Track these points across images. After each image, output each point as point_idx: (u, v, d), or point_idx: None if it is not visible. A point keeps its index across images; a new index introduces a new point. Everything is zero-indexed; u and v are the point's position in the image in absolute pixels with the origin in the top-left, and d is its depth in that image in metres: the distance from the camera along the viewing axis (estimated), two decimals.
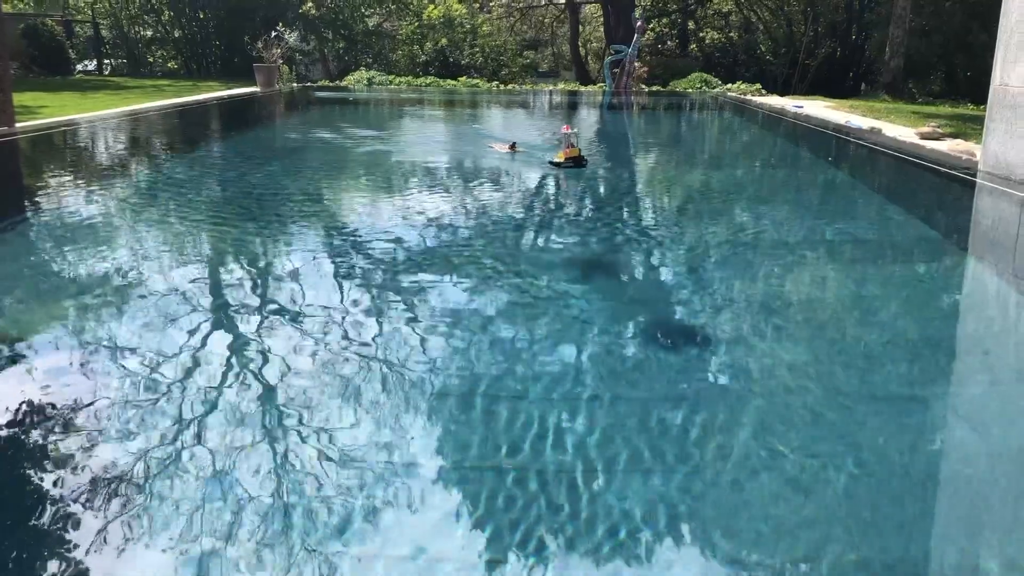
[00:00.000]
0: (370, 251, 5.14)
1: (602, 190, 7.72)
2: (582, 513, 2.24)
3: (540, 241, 5.64)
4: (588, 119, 16.66)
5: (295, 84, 22.49)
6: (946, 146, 9.39)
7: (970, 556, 2.22)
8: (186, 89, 18.35)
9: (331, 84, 23.89)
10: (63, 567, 2.01)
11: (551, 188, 7.71)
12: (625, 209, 6.94)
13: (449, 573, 2.02)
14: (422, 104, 18.80)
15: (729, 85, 22.67)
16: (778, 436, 2.78)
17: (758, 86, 22.26)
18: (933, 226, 6.60)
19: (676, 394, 3.07)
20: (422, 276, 4.57)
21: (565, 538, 2.14)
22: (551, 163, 8.28)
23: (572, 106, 19.60)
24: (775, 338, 3.76)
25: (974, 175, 7.70)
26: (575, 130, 8.31)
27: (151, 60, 26.89)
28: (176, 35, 26.02)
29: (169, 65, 26.60)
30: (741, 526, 2.27)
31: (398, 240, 5.40)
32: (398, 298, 4.16)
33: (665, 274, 5.00)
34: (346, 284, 4.44)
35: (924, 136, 10.10)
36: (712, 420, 2.86)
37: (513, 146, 9.32)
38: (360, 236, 5.59)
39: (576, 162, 8.10)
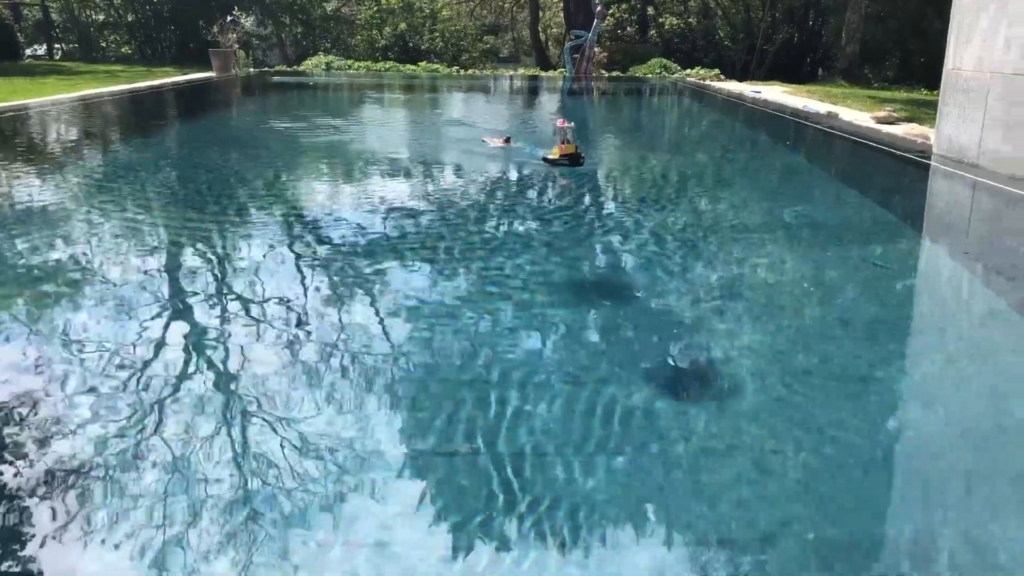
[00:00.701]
0: (350, 244, 5.10)
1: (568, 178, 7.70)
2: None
3: (526, 251, 5.64)
4: (549, 105, 16.66)
5: (252, 69, 22.17)
6: (901, 130, 9.56)
7: (928, 533, 2.28)
8: (140, 75, 17.97)
9: (289, 69, 23.58)
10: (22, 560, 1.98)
11: (543, 190, 7.00)
12: (588, 196, 6.95)
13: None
14: (383, 89, 18.63)
15: (688, 70, 22.81)
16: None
17: (717, 71, 22.42)
18: (889, 208, 6.71)
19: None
20: (387, 264, 4.56)
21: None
22: (544, 160, 7.61)
23: (533, 91, 19.56)
24: (734, 317, 3.81)
25: (928, 158, 7.85)
26: (572, 124, 7.59)
27: (104, 45, 26.26)
28: (129, 19, 25.44)
29: (123, 50, 26.01)
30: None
31: (373, 239, 5.37)
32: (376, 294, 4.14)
33: (629, 258, 5.03)
34: (331, 273, 4.41)
35: (880, 120, 10.26)
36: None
37: (507, 140, 8.85)
38: (337, 228, 5.55)
39: (572, 160, 7.39)
